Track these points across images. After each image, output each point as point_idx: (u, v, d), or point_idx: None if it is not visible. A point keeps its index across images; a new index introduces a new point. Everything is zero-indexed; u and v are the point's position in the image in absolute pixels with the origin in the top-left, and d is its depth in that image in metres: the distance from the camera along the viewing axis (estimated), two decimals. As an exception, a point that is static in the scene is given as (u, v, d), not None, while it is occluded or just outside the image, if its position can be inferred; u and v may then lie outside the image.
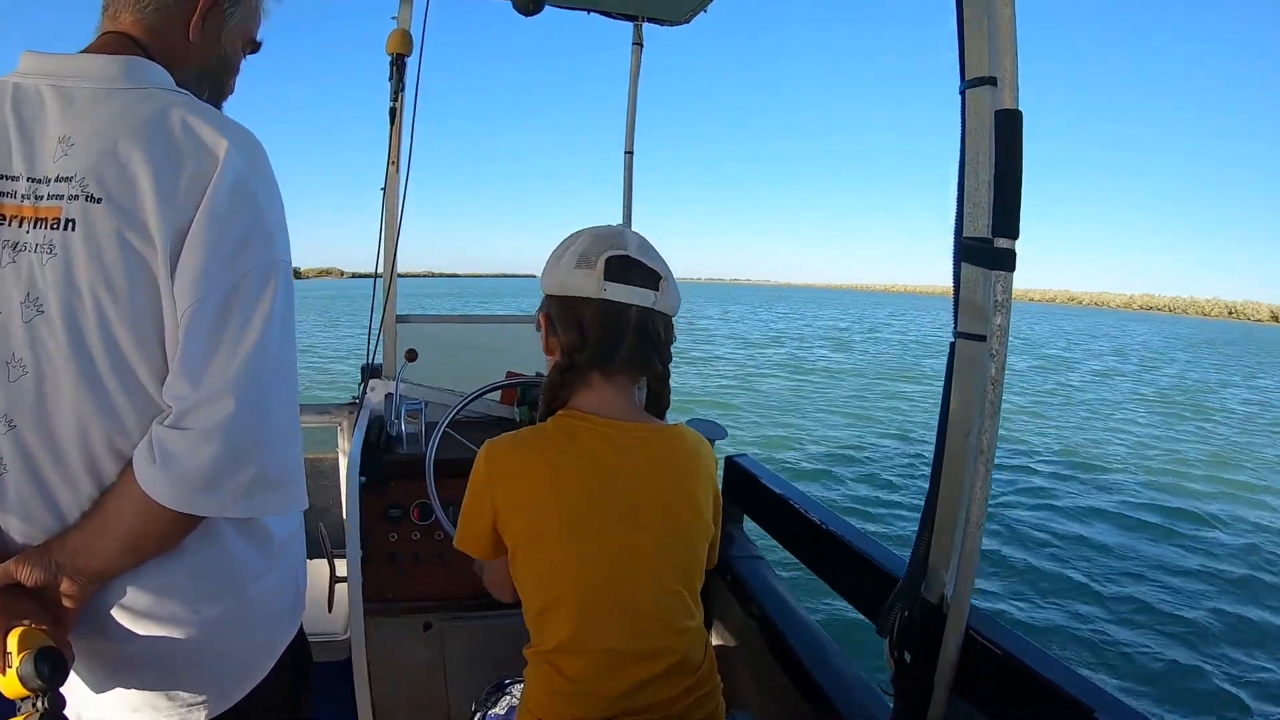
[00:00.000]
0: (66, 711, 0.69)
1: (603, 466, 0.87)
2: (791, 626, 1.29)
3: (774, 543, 1.49)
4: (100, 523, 0.71)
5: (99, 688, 0.76)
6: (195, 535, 0.75)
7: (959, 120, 0.80)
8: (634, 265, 0.89)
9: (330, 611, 1.38)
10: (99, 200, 0.67)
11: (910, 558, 0.89)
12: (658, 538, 0.88)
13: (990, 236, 0.77)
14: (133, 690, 0.77)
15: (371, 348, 1.89)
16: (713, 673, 0.94)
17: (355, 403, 2.05)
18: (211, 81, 0.84)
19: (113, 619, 0.74)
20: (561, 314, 0.91)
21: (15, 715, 0.67)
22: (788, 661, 1.24)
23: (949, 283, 0.85)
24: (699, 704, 0.90)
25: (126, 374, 0.70)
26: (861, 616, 1.12)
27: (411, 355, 1.87)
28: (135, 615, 0.75)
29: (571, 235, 0.95)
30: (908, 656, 0.89)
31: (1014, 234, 0.75)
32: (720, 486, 1.62)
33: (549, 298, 0.93)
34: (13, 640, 0.67)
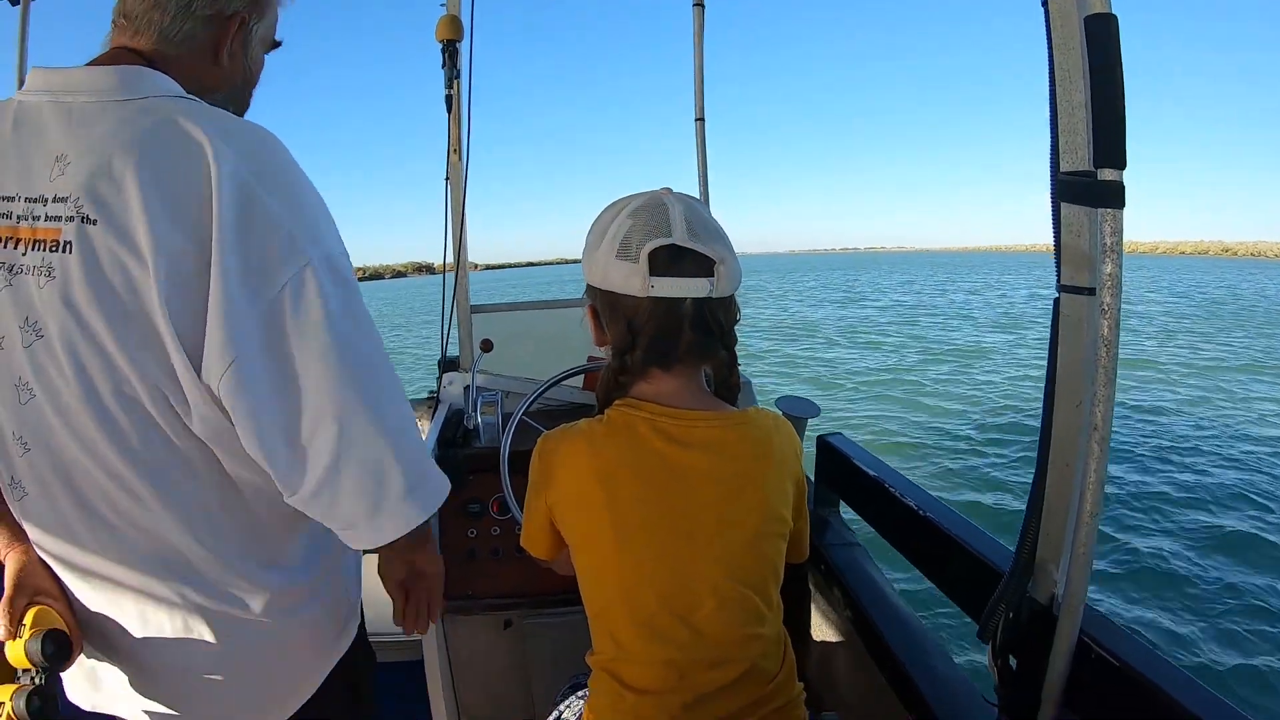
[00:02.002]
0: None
1: (659, 463, 0.80)
2: (890, 622, 1.19)
3: (873, 529, 1.38)
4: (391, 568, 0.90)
5: (145, 705, 0.78)
6: (216, 567, 0.75)
7: (1044, 35, 0.68)
8: (682, 254, 0.78)
9: None
10: (94, 222, 0.64)
11: (1016, 551, 0.78)
12: (720, 539, 0.80)
13: (1092, 169, 0.65)
14: (175, 711, 0.79)
15: (445, 340, 1.89)
16: (790, 681, 0.86)
17: (433, 397, 2.05)
18: (237, 99, 0.83)
19: (147, 642, 0.76)
20: (607, 310, 0.83)
21: (15, 681, 0.71)
22: (885, 660, 1.14)
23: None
24: (773, 717, 0.83)
25: (128, 399, 0.68)
26: (963, 613, 1.01)
27: (487, 345, 1.84)
28: (166, 642, 0.76)
29: (609, 210, 0.85)
30: (1013, 662, 0.78)
31: (1120, 163, 0.63)
32: (813, 469, 1.52)
33: (594, 290, 0.84)
34: (30, 615, 0.72)
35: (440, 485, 0.81)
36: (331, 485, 0.70)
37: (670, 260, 0.78)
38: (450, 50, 1.79)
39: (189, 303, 0.65)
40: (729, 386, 0.88)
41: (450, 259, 1.90)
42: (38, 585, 0.74)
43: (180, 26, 0.75)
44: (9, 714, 0.69)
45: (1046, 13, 0.68)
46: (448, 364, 1.96)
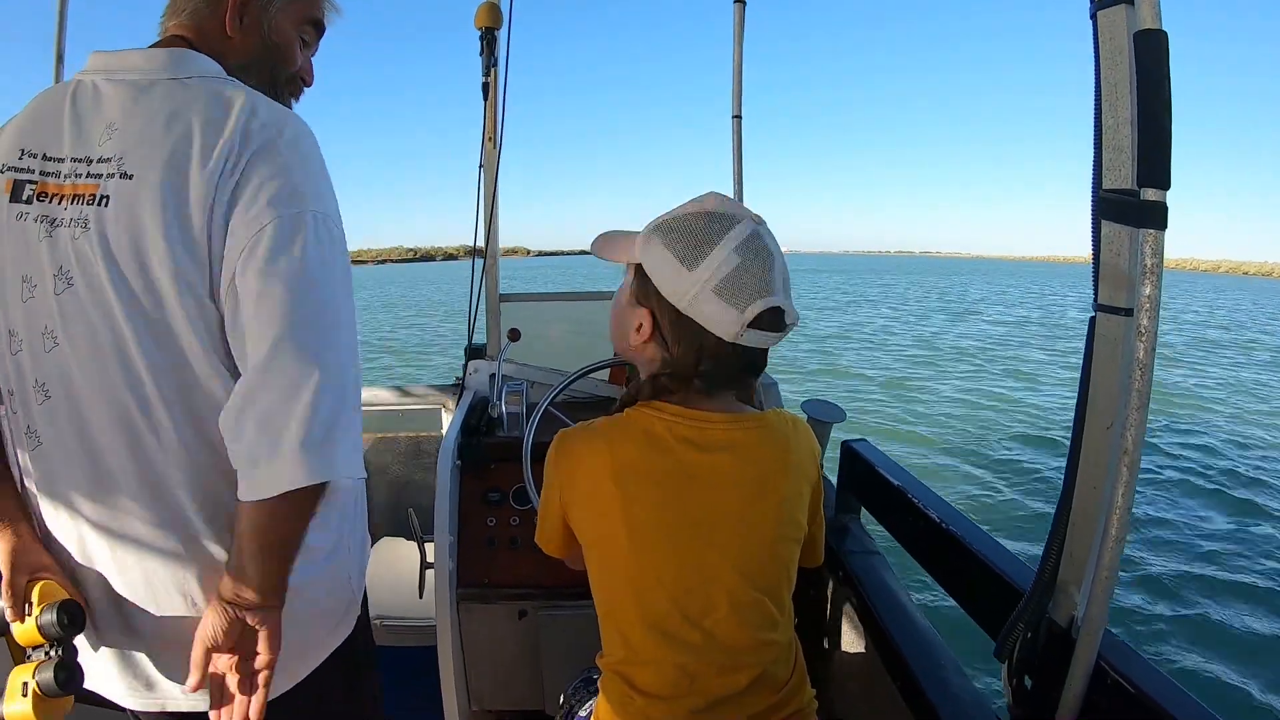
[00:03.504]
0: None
1: (677, 467, 0.80)
2: (905, 633, 1.18)
3: (893, 539, 1.37)
4: (239, 559, 0.73)
5: (140, 676, 0.81)
6: (213, 550, 0.77)
7: (1091, 50, 0.67)
8: (777, 314, 0.79)
9: (421, 597, 1.39)
10: (130, 176, 0.70)
11: (1038, 571, 0.77)
12: (735, 543, 0.80)
13: (1135, 187, 0.64)
14: (167, 677, 0.81)
15: (472, 328, 1.89)
16: (802, 688, 0.86)
17: (459, 383, 2.05)
18: (259, 70, 0.86)
19: (147, 601, 0.78)
20: (679, 332, 0.80)
21: (26, 661, 0.72)
22: (898, 670, 1.13)
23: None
24: None
25: (153, 346, 0.72)
26: (980, 629, 1.00)
27: (515, 335, 1.84)
28: (163, 624, 0.78)
29: (703, 224, 0.78)
30: (1028, 683, 0.77)
31: (1165, 183, 0.62)
32: (837, 474, 1.50)
33: (663, 301, 0.79)
34: (35, 592, 0.74)
35: (347, 462, 0.73)
36: (254, 398, 0.69)
37: (767, 321, 0.78)
38: (488, 38, 1.79)
39: (205, 252, 0.71)
40: (751, 394, 0.89)
41: (481, 247, 1.90)
42: (35, 562, 0.77)
43: (189, 3, 0.81)
44: (35, 691, 0.70)
45: (1095, 27, 0.67)
46: (474, 351, 1.97)
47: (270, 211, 0.71)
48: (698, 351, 0.79)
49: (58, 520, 0.79)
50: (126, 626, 0.80)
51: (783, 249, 0.82)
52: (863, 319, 22.11)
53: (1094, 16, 0.67)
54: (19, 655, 0.75)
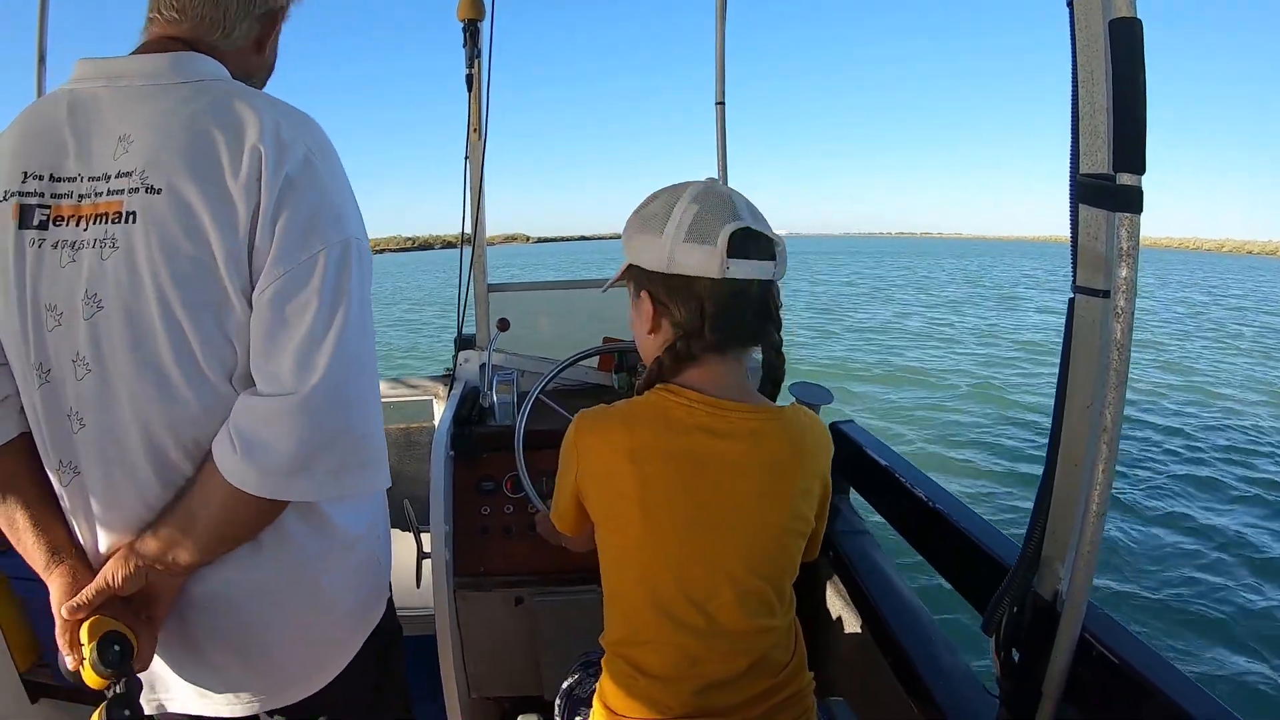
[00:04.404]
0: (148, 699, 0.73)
1: (692, 452, 0.81)
2: (896, 610, 1.21)
3: (881, 517, 1.40)
4: (186, 517, 0.73)
5: (177, 675, 0.81)
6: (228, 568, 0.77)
7: (1068, 37, 0.68)
8: (754, 237, 0.81)
9: (419, 587, 1.41)
10: (159, 191, 0.68)
11: (1022, 547, 0.79)
12: (744, 532, 0.82)
13: (1111, 172, 0.65)
14: (209, 677, 0.81)
15: (462, 318, 1.88)
16: (801, 671, 0.88)
17: (449, 374, 2.07)
18: (264, 80, 0.87)
19: (184, 609, 0.78)
20: (674, 293, 0.83)
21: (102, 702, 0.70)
22: (889, 647, 1.16)
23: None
24: (783, 706, 0.84)
25: (190, 363, 0.71)
26: (968, 604, 1.02)
27: (504, 325, 1.84)
28: (194, 601, 0.77)
29: (661, 197, 0.85)
30: (1016, 656, 0.80)
31: (1140, 168, 0.63)
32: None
33: (651, 274, 0.84)
34: (84, 631, 0.71)
35: (376, 481, 0.77)
36: (291, 427, 0.70)
37: (744, 244, 0.80)
38: (471, 30, 1.78)
39: (244, 260, 0.70)
40: (776, 372, 0.90)
41: (469, 237, 1.91)
42: (84, 600, 0.72)
43: (239, 25, 0.79)
44: None
45: (1071, 14, 0.68)
46: (464, 342, 1.98)
47: (319, 239, 0.71)
48: (697, 301, 0.81)
49: (99, 556, 0.77)
50: (181, 629, 0.80)
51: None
52: (906, 308, 20.43)
53: (1070, 4, 0.68)
54: (99, 697, 0.72)
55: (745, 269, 0.79)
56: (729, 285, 0.80)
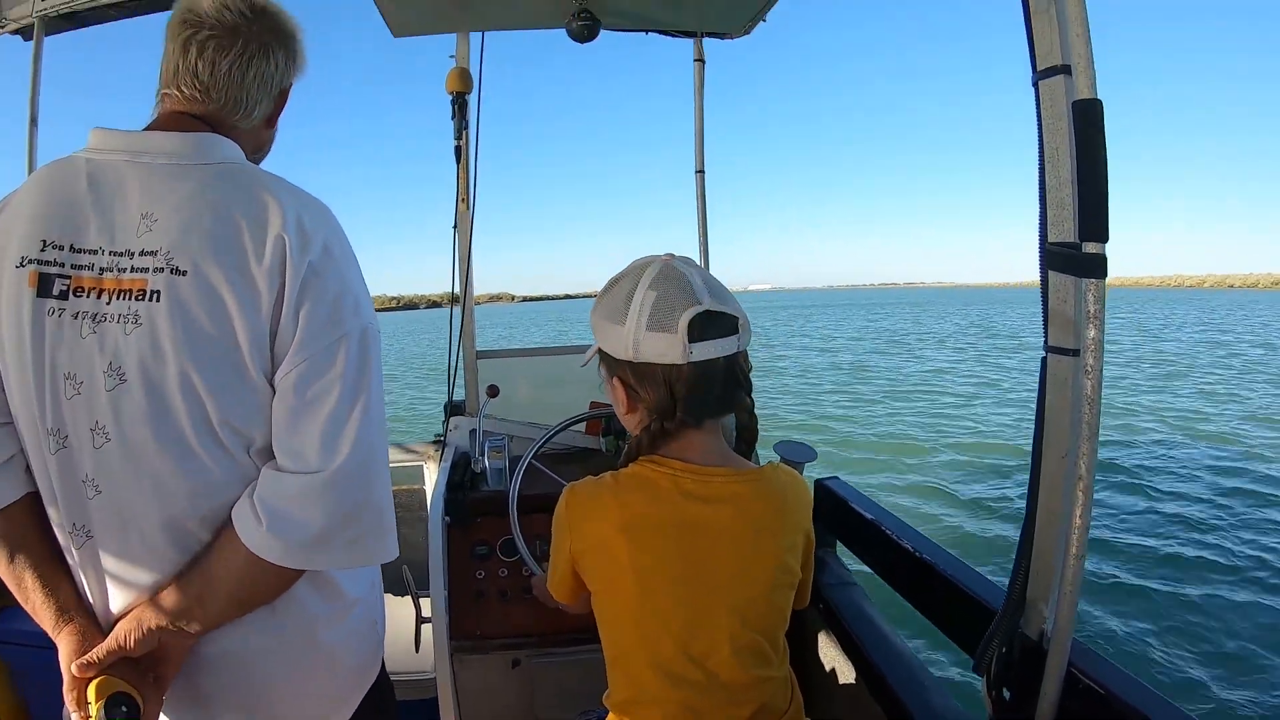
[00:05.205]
0: None
1: (681, 519, 0.84)
2: (887, 658, 1.23)
3: (868, 569, 1.42)
4: (204, 582, 0.74)
5: None
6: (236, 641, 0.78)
7: (1034, 115, 0.75)
8: (713, 318, 0.83)
9: (417, 651, 1.40)
10: (184, 273, 0.70)
11: (1008, 590, 0.83)
12: (735, 589, 0.84)
13: (1077, 241, 0.71)
14: None
15: (452, 385, 1.91)
16: (799, 717, 0.91)
17: (440, 440, 2.08)
18: (268, 151, 0.91)
19: (192, 667, 0.78)
20: (642, 380, 0.86)
21: None
22: (883, 694, 1.18)
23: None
24: None
25: (210, 437, 0.73)
26: (959, 649, 1.05)
27: (493, 391, 1.87)
28: (204, 660, 0.78)
29: (621, 282, 0.89)
30: (1007, 694, 0.83)
31: (1103, 237, 0.69)
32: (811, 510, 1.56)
33: (620, 361, 0.87)
34: (91, 691, 0.72)
35: (388, 551, 0.80)
36: (315, 502, 0.73)
37: (704, 327, 0.83)
38: (460, 102, 1.85)
39: (266, 343, 0.72)
40: (750, 433, 0.93)
41: (459, 301, 1.94)
42: (95, 659, 0.73)
43: (259, 105, 0.83)
44: None
45: (1037, 95, 0.75)
46: (454, 408, 2.00)
47: (340, 327, 0.74)
48: (666, 386, 0.85)
49: (109, 617, 0.77)
50: (189, 688, 0.80)
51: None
52: (929, 358, 19.74)
53: (1036, 85, 0.74)
54: None
55: (708, 350, 0.83)
56: (694, 367, 0.83)
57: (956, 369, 16.82)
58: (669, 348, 0.82)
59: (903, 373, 16.42)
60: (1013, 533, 4.99)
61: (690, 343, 0.82)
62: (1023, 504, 0.81)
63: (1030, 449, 0.80)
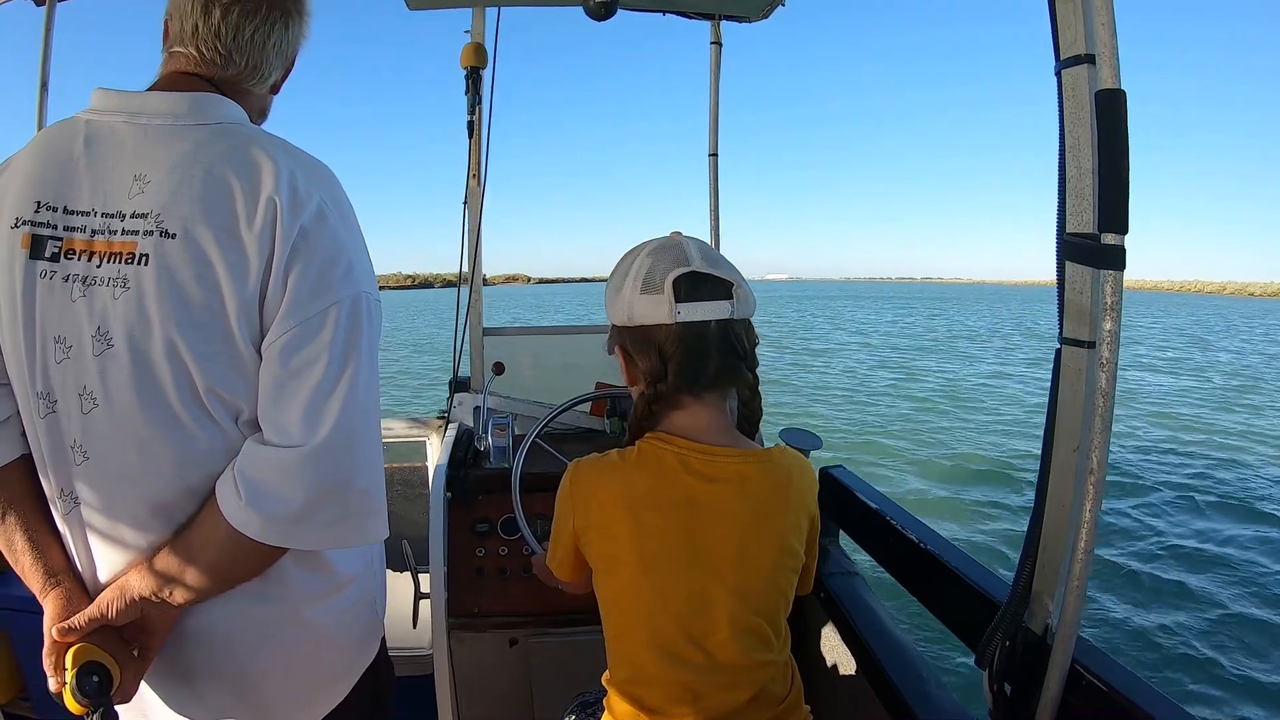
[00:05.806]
0: None
1: (684, 496, 0.84)
2: (887, 650, 1.23)
3: (871, 559, 1.42)
4: (186, 553, 0.72)
5: (168, 706, 0.80)
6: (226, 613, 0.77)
7: (1056, 104, 0.74)
8: (703, 279, 0.84)
9: (415, 627, 1.40)
10: (173, 236, 0.68)
11: (1013, 583, 0.82)
12: (738, 571, 0.84)
13: (1096, 232, 0.70)
14: (200, 710, 0.80)
15: (457, 361, 1.91)
16: (798, 704, 0.90)
17: (444, 416, 2.09)
18: (268, 112, 0.90)
19: (178, 641, 0.77)
20: (637, 344, 0.88)
21: None
22: (882, 687, 1.18)
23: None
24: None
25: (196, 406, 0.71)
26: (961, 642, 1.05)
27: (499, 368, 1.88)
28: (189, 633, 0.77)
29: (627, 255, 0.91)
30: (1008, 689, 0.82)
31: (1123, 228, 0.68)
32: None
33: (620, 329, 0.90)
34: (69, 657, 0.71)
35: (375, 531, 0.78)
36: (296, 478, 0.71)
37: (692, 287, 0.84)
38: (474, 77, 1.85)
39: (255, 310, 0.71)
40: (752, 412, 0.92)
41: (465, 282, 1.94)
42: (76, 625, 0.72)
43: (275, 71, 0.83)
44: None
45: (1059, 83, 0.73)
46: (459, 384, 1.99)
47: (330, 294, 0.72)
48: (656, 350, 0.85)
49: (97, 584, 0.77)
50: (172, 660, 0.80)
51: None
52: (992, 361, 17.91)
53: (1059, 74, 0.73)
54: None
55: (696, 310, 0.83)
56: (684, 329, 0.83)
57: (1020, 374, 15.35)
58: (656, 308, 0.84)
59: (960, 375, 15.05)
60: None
61: (677, 302, 0.83)
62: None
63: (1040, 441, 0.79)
